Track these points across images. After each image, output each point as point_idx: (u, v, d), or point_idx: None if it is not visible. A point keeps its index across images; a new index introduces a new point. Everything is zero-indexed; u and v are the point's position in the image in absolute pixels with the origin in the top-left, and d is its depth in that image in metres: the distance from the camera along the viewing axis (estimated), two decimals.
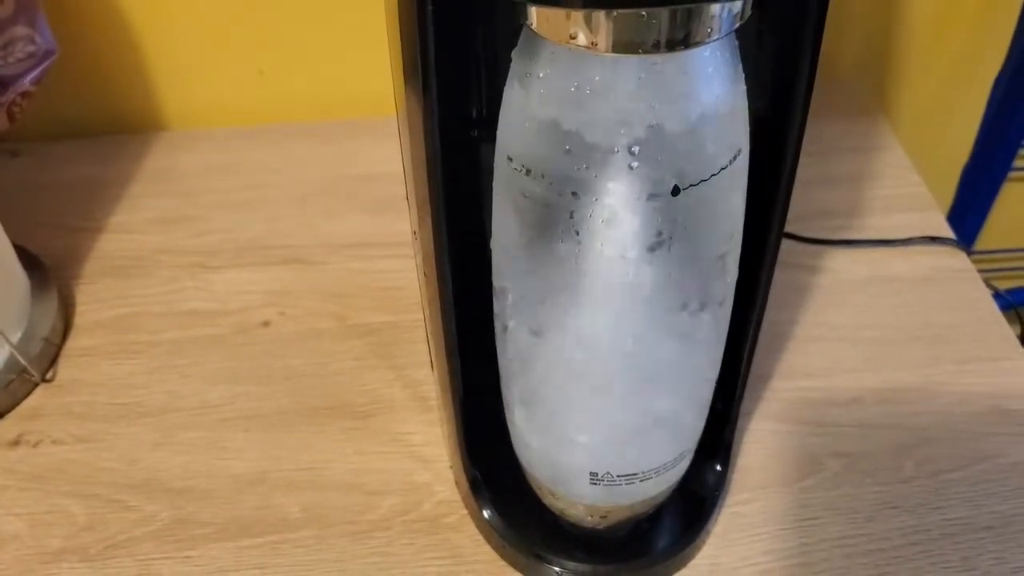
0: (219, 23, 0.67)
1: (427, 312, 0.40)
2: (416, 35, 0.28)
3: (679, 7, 0.26)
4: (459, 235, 0.34)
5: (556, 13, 0.27)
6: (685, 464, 0.41)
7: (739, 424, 0.47)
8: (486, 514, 0.44)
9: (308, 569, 0.44)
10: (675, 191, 0.29)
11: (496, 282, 0.36)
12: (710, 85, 0.29)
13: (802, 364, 0.54)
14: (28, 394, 0.52)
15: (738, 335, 0.39)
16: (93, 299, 0.58)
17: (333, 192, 0.66)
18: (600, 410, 0.36)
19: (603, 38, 0.26)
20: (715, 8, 0.26)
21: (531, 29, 0.28)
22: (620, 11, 0.26)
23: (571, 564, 0.43)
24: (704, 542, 0.45)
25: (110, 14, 0.66)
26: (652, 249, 0.30)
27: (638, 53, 0.27)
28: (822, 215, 0.62)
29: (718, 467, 0.46)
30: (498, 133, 0.32)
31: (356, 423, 0.51)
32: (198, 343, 0.55)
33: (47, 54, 0.56)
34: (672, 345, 0.34)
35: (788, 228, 0.38)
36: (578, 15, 0.26)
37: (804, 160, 0.34)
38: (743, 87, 0.30)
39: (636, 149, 0.28)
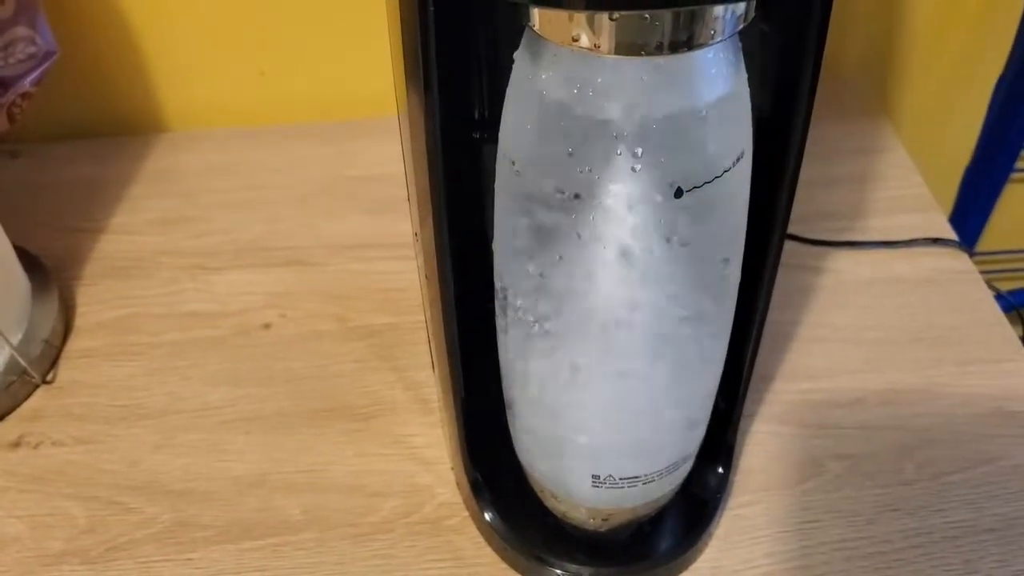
0: (219, 23, 0.67)
1: (428, 313, 0.40)
2: (417, 35, 0.28)
3: (682, 9, 0.26)
4: (460, 236, 0.34)
5: (559, 15, 0.27)
6: (688, 467, 0.41)
7: (741, 426, 0.47)
8: (488, 516, 0.44)
9: (309, 572, 0.44)
10: (678, 193, 0.29)
11: (498, 283, 0.35)
12: (713, 87, 0.28)
13: (805, 365, 0.54)
14: (28, 396, 0.52)
15: (741, 336, 0.39)
16: (94, 300, 0.58)
17: (334, 193, 0.65)
18: (602, 412, 0.36)
19: (606, 40, 0.26)
20: (718, 10, 0.26)
21: (533, 30, 0.28)
22: (623, 13, 0.26)
23: (573, 567, 0.43)
24: (706, 545, 0.45)
25: (110, 14, 0.65)
26: (655, 251, 0.30)
27: (641, 55, 0.27)
28: (825, 216, 0.62)
29: (720, 469, 0.46)
30: (500, 134, 0.32)
31: (357, 425, 0.51)
32: (199, 345, 0.55)
33: (47, 55, 0.55)
34: (675, 347, 0.34)
35: (791, 229, 0.38)
36: (581, 17, 0.26)
37: (806, 161, 0.34)
38: (746, 89, 0.30)
39: (639, 151, 0.28)
